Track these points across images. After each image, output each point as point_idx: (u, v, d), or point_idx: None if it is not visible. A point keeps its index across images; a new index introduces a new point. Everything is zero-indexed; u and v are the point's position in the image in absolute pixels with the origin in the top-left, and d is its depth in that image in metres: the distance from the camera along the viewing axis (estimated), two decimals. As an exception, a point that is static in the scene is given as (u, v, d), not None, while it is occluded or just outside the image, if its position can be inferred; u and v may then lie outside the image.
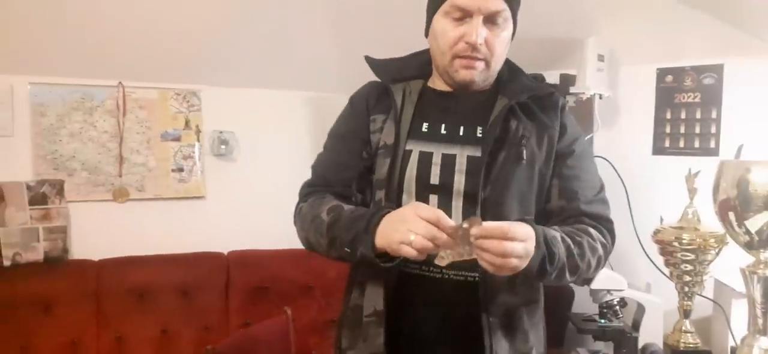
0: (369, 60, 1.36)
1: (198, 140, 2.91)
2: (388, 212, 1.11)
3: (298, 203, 1.33)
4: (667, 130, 2.19)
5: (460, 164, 1.21)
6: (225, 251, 2.85)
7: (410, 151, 1.24)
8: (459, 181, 1.21)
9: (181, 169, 2.89)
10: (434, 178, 1.22)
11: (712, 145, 2.08)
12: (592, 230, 1.23)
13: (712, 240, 1.70)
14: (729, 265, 1.76)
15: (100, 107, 2.71)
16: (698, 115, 2.11)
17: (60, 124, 2.65)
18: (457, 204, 1.20)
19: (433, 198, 1.21)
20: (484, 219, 1.06)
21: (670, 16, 2.07)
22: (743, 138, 1.62)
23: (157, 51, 2.65)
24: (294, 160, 3.08)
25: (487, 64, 1.22)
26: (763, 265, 1.45)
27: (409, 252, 1.04)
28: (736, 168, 1.45)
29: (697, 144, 2.11)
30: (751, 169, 1.42)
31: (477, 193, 1.18)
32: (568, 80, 2.22)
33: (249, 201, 3.00)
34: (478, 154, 1.21)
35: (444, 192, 1.21)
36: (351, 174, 1.29)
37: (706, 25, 2.02)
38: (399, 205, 1.21)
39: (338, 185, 1.28)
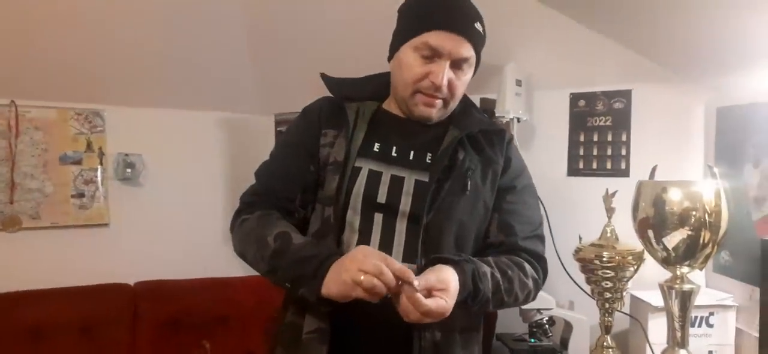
0: (324, 77, 1.37)
1: (101, 163, 2.72)
2: (337, 260, 1.11)
3: (240, 212, 1.32)
4: (581, 152, 2.28)
5: (408, 187, 1.25)
6: (131, 282, 2.66)
7: (359, 169, 1.26)
8: (405, 203, 1.24)
9: (81, 195, 2.67)
10: (381, 197, 1.24)
11: (623, 166, 2.19)
12: (527, 266, 1.29)
13: (630, 257, 1.77)
14: (643, 281, 1.85)
15: (-12, 128, 2.47)
16: (609, 138, 2.22)
17: (-60, 146, 2.39)
18: (401, 225, 1.23)
19: (378, 217, 1.24)
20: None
21: (583, 44, 2.17)
22: (650, 159, 1.70)
23: (56, 67, 2.45)
24: (206, 184, 2.95)
25: (446, 103, 1.27)
26: (680, 279, 1.51)
27: (362, 294, 1.05)
28: (653, 188, 1.52)
29: (609, 165, 2.22)
30: (668, 189, 1.49)
31: (420, 216, 1.21)
32: (488, 104, 2.27)
33: (157, 228, 2.83)
34: (426, 179, 1.24)
35: (389, 212, 1.24)
36: (295, 187, 1.29)
37: (616, 53, 2.13)
38: (343, 220, 1.24)
39: (282, 198, 1.29)
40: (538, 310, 1.85)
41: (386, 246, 1.22)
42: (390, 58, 1.31)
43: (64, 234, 2.64)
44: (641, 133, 2.17)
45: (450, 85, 1.23)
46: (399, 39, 1.27)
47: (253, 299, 2.70)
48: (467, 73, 1.27)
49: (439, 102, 1.26)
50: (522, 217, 1.32)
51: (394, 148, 1.28)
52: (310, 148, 1.30)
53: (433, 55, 1.21)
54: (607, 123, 2.22)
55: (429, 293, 1.08)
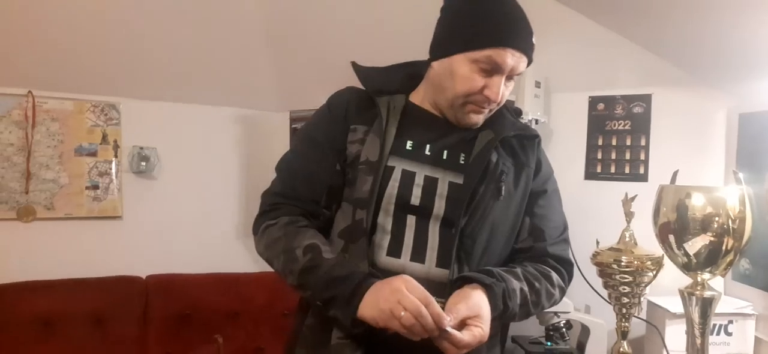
0: (356, 67, 1.30)
1: (116, 156, 2.72)
2: (374, 283, 1.08)
3: (264, 214, 1.25)
4: (599, 156, 2.26)
5: (442, 189, 1.20)
6: (143, 275, 2.67)
7: (392, 168, 1.20)
8: (439, 206, 1.19)
9: (96, 187, 2.68)
10: (415, 200, 1.19)
11: (642, 170, 2.16)
12: (554, 275, 1.28)
13: (649, 262, 1.74)
14: (660, 287, 1.83)
15: (5, 118, 2.49)
16: (628, 142, 2.19)
17: (-43, 134, 2.40)
18: (434, 229, 1.19)
19: (411, 219, 1.19)
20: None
21: (603, 46, 2.15)
22: (670, 164, 1.67)
23: (73, 58, 2.46)
24: (220, 179, 2.96)
25: (491, 109, 1.24)
26: (701, 286, 1.49)
27: (398, 328, 1.03)
28: (675, 192, 1.49)
29: (627, 170, 2.19)
30: (691, 194, 1.46)
31: (454, 220, 1.18)
32: (507, 105, 2.25)
33: (170, 222, 2.84)
34: (459, 181, 1.21)
35: (423, 215, 1.19)
36: (321, 189, 1.23)
37: (636, 56, 2.11)
38: (374, 223, 1.18)
39: (307, 201, 1.23)
40: (556, 313, 1.83)
41: (419, 250, 1.19)
42: (433, 59, 1.23)
43: (78, 225, 2.66)
44: (661, 137, 2.15)
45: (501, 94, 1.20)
46: (452, 46, 1.18)
47: (264, 296, 2.70)
48: (514, 82, 1.24)
49: (486, 110, 1.22)
50: (551, 221, 1.30)
51: (428, 146, 1.22)
52: (337, 144, 1.24)
53: (492, 70, 1.15)
54: (627, 127, 2.20)
55: (463, 323, 1.07)
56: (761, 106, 1.87)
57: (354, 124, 1.24)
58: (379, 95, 1.25)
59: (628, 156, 2.19)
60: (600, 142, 2.25)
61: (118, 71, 2.60)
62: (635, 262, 1.77)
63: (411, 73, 1.30)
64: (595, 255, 1.86)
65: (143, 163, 2.75)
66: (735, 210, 1.42)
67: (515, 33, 1.15)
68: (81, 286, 2.52)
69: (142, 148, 2.75)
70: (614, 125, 2.22)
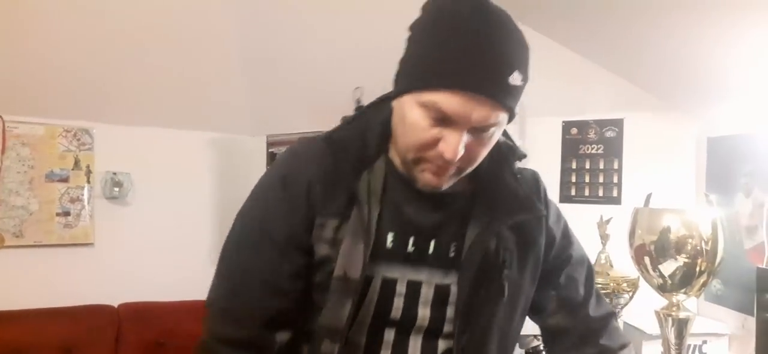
0: (328, 139, 0.96)
1: (88, 182, 2.68)
2: None
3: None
4: (573, 179, 2.29)
5: (426, 295, 0.96)
6: (115, 303, 2.61)
7: (371, 279, 0.93)
8: (423, 316, 0.96)
9: (67, 213, 2.63)
10: (396, 313, 0.95)
11: (615, 193, 2.20)
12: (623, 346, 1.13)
13: (625, 284, 1.77)
14: (636, 308, 1.86)
15: (-27, 142, 2.43)
16: (601, 166, 2.24)
17: (-77, 160, 2.34)
18: (415, 343, 0.96)
19: (389, 333, 0.96)
20: None
21: (576, 72, 2.20)
22: (642, 187, 1.71)
23: (46, 83, 2.43)
24: (194, 205, 2.92)
25: (461, 170, 0.91)
26: (676, 307, 1.52)
27: None
28: (650, 215, 1.53)
29: (601, 193, 2.23)
30: (665, 216, 1.50)
31: (438, 331, 0.97)
32: (482, 129, 2.28)
33: (143, 248, 2.79)
34: (447, 281, 0.96)
35: (403, 328, 0.96)
36: (277, 307, 0.93)
37: (608, 82, 2.16)
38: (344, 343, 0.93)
39: (260, 332, 0.93)
40: (535, 336, 1.84)
41: None
42: (394, 97, 0.91)
43: (48, 253, 2.60)
44: (633, 161, 2.19)
45: (469, 151, 0.86)
46: (403, 81, 0.88)
47: (240, 323, 2.65)
48: (495, 135, 0.89)
49: (451, 170, 0.89)
50: (580, 282, 1.12)
51: (412, 239, 0.94)
52: (300, 241, 0.92)
53: (443, 119, 0.84)
54: (599, 151, 2.24)
55: None
56: (729, 130, 1.93)
57: (321, 217, 0.92)
58: (358, 173, 0.92)
59: (601, 179, 2.23)
60: (574, 166, 2.29)
61: (92, 96, 2.57)
62: (612, 284, 1.81)
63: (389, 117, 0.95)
64: (572, 277, 1.89)
65: (116, 189, 2.71)
66: (707, 232, 1.46)
67: (479, 72, 0.81)
68: (51, 315, 2.46)
69: (115, 173, 2.72)
70: (587, 149, 2.26)
